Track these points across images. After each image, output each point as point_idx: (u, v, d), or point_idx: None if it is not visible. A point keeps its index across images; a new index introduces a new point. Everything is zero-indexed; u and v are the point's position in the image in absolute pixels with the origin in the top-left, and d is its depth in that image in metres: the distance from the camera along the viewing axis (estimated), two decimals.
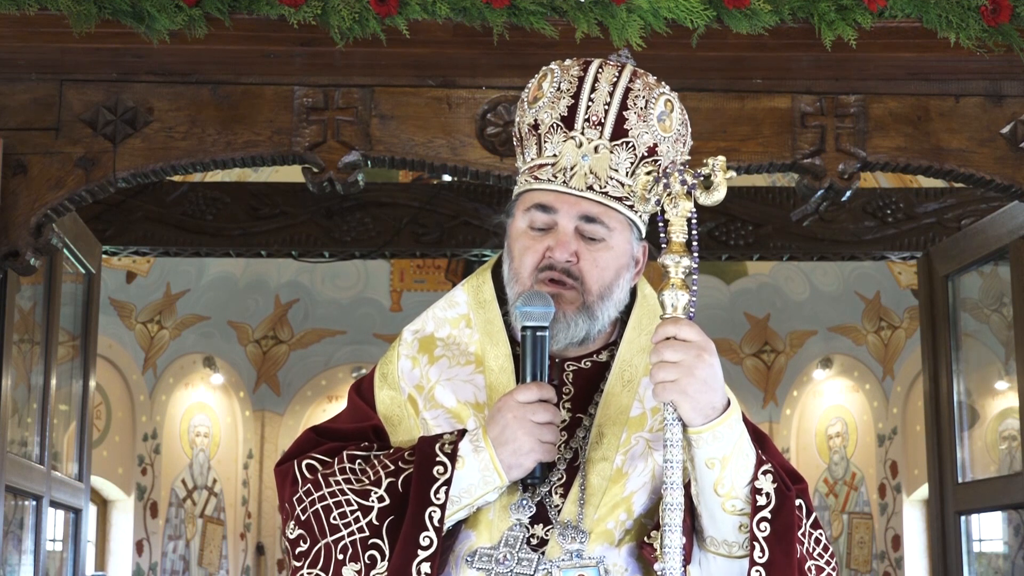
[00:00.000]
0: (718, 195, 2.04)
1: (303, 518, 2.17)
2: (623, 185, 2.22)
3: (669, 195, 2.05)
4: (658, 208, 2.08)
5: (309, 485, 2.18)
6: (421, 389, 2.30)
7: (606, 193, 2.21)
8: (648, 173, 2.15)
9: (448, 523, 2.14)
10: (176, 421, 9.65)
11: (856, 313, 9.44)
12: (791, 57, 4.43)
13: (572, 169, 2.22)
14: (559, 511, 2.19)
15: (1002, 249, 5.46)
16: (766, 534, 2.09)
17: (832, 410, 9.86)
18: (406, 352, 2.34)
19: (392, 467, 2.17)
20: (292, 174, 5.76)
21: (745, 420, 2.15)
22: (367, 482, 2.16)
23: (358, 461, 2.21)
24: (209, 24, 4.23)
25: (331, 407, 10.20)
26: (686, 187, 2.04)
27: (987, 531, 6.53)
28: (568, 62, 2.29)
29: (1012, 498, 5.55)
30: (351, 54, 4.36)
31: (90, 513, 7.21)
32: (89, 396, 5.91)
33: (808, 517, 2.21)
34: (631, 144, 2.22)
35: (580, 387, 2.28)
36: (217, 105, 4.51)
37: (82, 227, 5.65)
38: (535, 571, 2.14)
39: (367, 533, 2.13)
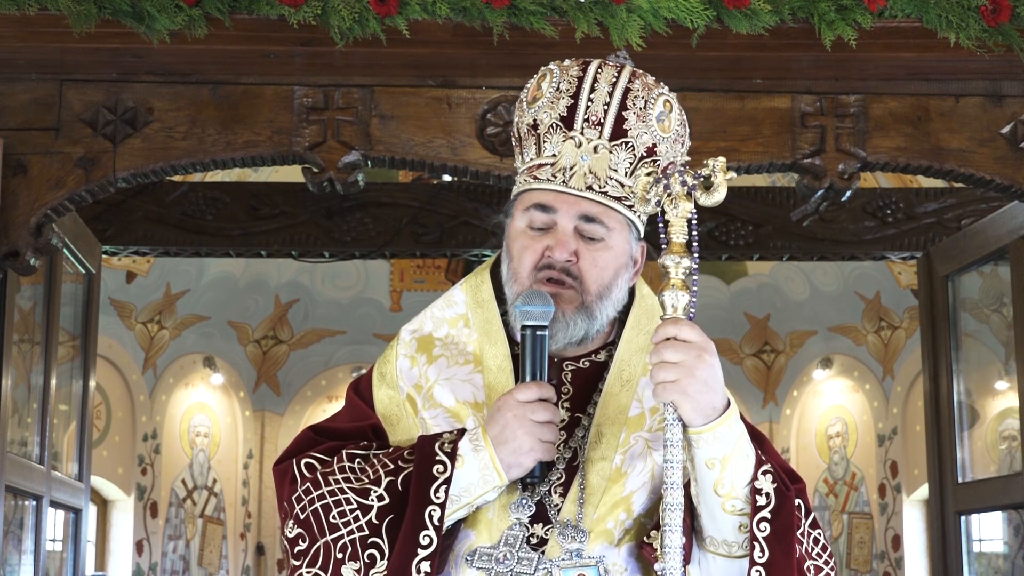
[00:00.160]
0: (718, 196, 2.04)
1: (302, 517, 2.17)
2: (622, 185, 2.22)
3: (669, 196, 2.06)
4: (658, 209, 2.08)
5: (308, 484, 2.18)
6: (420, 388, 2.30)
7: (605, 193, 2.21)
8: (648, 174, 2.15)
9: (448, 522, 2.14)
10: (176, 421, 9.65)
11: (856, 313, 9.44)
12: (791, 57, 4.43)
13: (571, 169, 2.22)
14: (558, 510, 2.19)
15: (1002, 249, 5.46)
16: (766, 534, 2.10)
17: (832, 410, 9.86)
18: (404, 351, 2.34)
19: (392, 466, 2.17)
20: (292, 174, 5.76)
21: (743, 420, 2.15)
22: (366, 481, 2.16)
23: (357, 460, 2.21)
24: (209, 24, 4.23)
25: (331, 407, 10.19)
26: (686, 188, 2.04)
27: (987, 531, 6.53)
28: (567, 62, 2.29)
29: (1012, 498, 5.55)
30: (351, 54, 4.36)
31: (90, 513, 7.21)
32: (89, 396, 5.91)
33: (807, 517, 2.21)
34: (630, 144, 2.22)
35: (579, 387, 2.29)
36: (217, 105, 4.51)
37: (82, 227, 5.65)
38: (535, 570, 2.14)
39: (366, 532, 2.13)
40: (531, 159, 2.27)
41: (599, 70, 2.25)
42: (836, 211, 6.39)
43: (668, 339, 2.03)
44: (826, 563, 2.23)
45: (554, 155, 2.24)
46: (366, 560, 2.12)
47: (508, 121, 4.48)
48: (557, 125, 2.24)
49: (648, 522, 2.21)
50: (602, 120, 2.23)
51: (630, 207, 2.23)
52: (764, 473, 2.12)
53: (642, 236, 2.30)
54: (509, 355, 2.28)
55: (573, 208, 2.21)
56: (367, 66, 4.45)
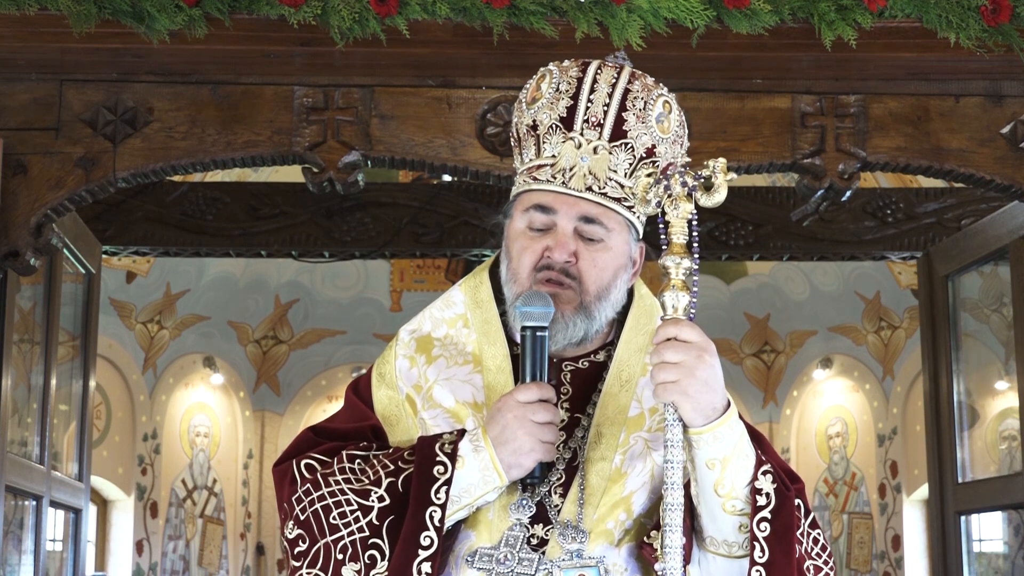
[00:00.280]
0: (719, 197, 2.04)
1: (302, 518, 2.17)
2: (622, 186, 2.22)
3: (670, 197, 2.06)
4: (659, 210, 2.08)
5: (308, 485, 2.18)
6: (419, 389, 2.30)
7: (605, 194, 2.21)
8: (648, 175, 2.15)
9: (448, 523, 2.14)
10: (176, 421, 9.65)
11: (856, 313, 9.44)
12: (791, 57, 4.43)
13: (571, 170, 2.22)
14: (559, 511, 2.19)
15: (1002, 249, 5.46)
16: (766, 534, 2.10)
17: (832, 410, 9.86)
18: (403, 352, 2.35)
19: (392, 467, 2.17)
20: (292, 174, 5.76)
21: (742, 421, 2.15)
22: (367, 482, 2.16)
23: (357, 461, 2.21)
24: (209, 24, 4.23)
25: (331, 407, 10.19)
26: (687, 189, 2.04)
27: (987, 531, 6.53)
28: (566, 63, 2.29)
29: (1012, 498, 5.55)
30: (351, 54, 4.36)
31: (90, 513, 7.21)
32: (89, 396, 5.91)
33: (806, 517, 2.22)
34: (630, 145, 2.22)
35: (578, 387, 2.29)
36: (217, 105, 4.51)
37: (82, 227, 5.65)
38: (536, 571, 2.14)
39: (367, 533, 2.13)
40: (530, 160, 2.27)
41: (598, 71, 2.25)
42: (836, 211, 6.39)
43: (669, 340, 2.03)
44: (825, 563, 2.23)
45: (554, 156, 2.24)
46: (367, 561, 2.12)
47: (508, 121, 4.48)
48: (556, 126, 2.24)
49: (648, 522, 2.21)
50: (602, 121, 2.23)
51: (629, 208, 2.23)
52: (764, 473, 2.12)
53: (641, 237, 2.30)
54: (508, 355, 2.28)
55: (573, 209, 2.21)
56: (367, 66, 4.45)
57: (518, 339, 2.23)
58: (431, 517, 2.10)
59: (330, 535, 2.14)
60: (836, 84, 4.55)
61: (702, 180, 2.04)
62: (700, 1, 4.21)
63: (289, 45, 4.35)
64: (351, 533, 2.13)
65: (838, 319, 9.59)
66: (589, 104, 2.23)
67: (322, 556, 2.14)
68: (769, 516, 2.11)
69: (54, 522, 5.65)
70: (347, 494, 2.15)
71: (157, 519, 9.31)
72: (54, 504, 5.44)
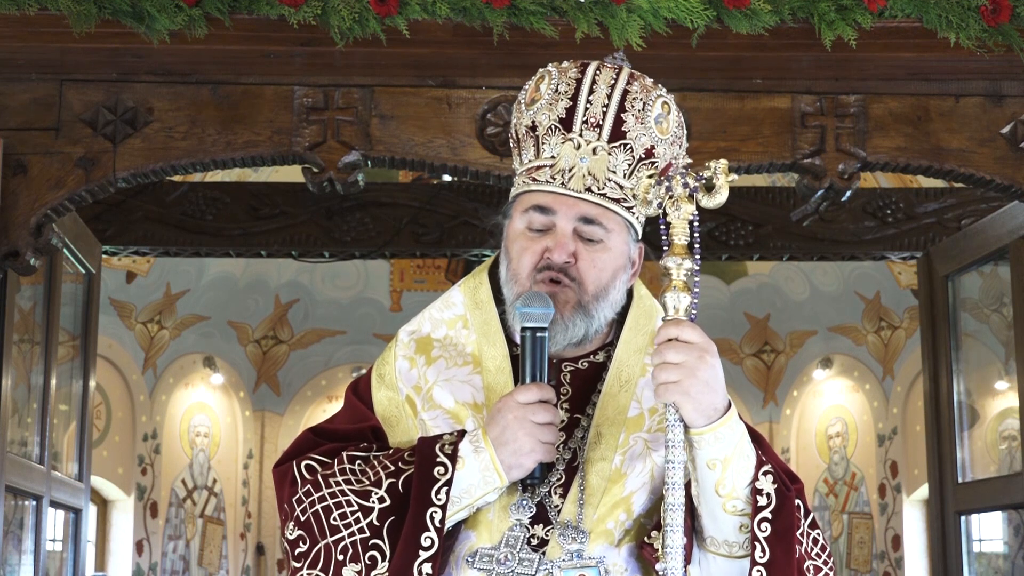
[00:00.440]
0: (720, 198, 2.04)
1: (303, 519, 2.17)
2: (621, 187, 2.22)
3: (671, 198, 2.06)
4: (660, 211, 2.08)
5: (309, 486, 2.18)
6: (419, 390, 2.30)
7: (604, 195, 2.22)
8: (649, 176, 2.15)
9: (449, 523, 2.14)
10: (176, 421, 9.66)
11: (856, 313, 9.45)
12: (791, 57, 4.43)
13: (570, 171, 2.22)
14: (559, 511, 2.19)
15: (1002, 249, 5.46)
16: (767, 534, 2.10)
17: (832, 410, 9.86)
18: (403, 353, 2.35)
19: (392, 468, 2.17)
20: (292, 174, 5.76)
21: (742, 421, 2.15)
22: (367, 483, 2.16)
23: (358, 462, 2.22)
24: (209, 24, 4.23)
25: (331, 407, 10.20)
26: (688, 190, 2.04)
27: (987, 531, 6.53)
28: (565, 64, 2.29)
29: (1012, 498, 5.55)
30: (351, 54, 4.36)
31: (90, 513, 7.21)
32: (89, 396, 5.91)
33: (806, 518, 2.22)
34: (629, 146, 2.23)
35: (577, 388, 2.29)
36: (217, 105, 4.51)
37: (82, 227, 5.65)
38: (536, 571, 2.14)
39: (368, 534, 2.13)
40: (529, 161, 2.27)
41: (597, 72, 2.25)
42: (836, 211, 6.39)
43: (670, 340, 2.03)
44: (825, 563, 2.24)
45: (553, 157, 2.24)
46: (367, 562, 2.12)
47: (508, 121, 4.47)
48: (556, 127, 2.24)
49: (648, 522, 2.21)
50: (601, 122, 2.23)
51: (628, 209, 2.23)
52: (765, 473, 2.13)
53: (640, 237, 2.30)
54: (508, 356, 2.28)
55: (572, 210, 2.21)
56: (367, 66, 4.45)
57: (518, 340, 2.24)
58: (431, 518, 2.11)
59: (331, 536, 2.14)
60: (836, 84, 4.55)
61: (703, 181, 2.04)
62: (700, 1, 4.21)
63: (289, 45, 4.35)
64: (352, 534, 2.14)
65: (838, 319, 9.59)
66: (588, 105, 2.23)
67: (323, 557, 2.14)
68: (770, 516, 2.11)
69: (54, 522, 5.65)
70: (347, 495, 2.16)
71: (157, 519, 9.31)
72: (54, 504, 5.44)
